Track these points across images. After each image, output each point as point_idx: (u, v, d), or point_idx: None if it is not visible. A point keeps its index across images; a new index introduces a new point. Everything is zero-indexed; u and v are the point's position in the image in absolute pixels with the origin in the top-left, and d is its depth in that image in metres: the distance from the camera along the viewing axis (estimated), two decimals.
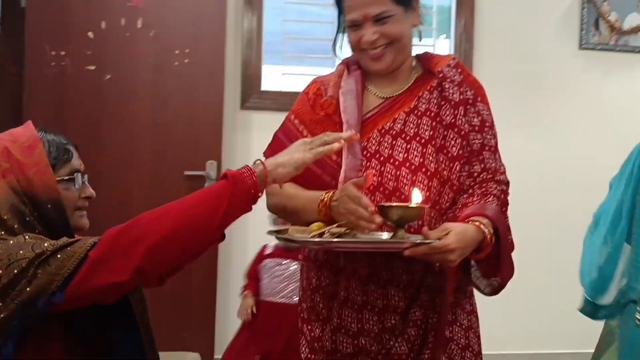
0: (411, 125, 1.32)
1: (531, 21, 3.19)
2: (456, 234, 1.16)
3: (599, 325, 1.73)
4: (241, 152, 3.00)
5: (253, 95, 3.02)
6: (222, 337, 2.84)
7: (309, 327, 1.36)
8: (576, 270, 1.65)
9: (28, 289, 0.99)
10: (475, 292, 1.39)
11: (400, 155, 1.30)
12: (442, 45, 3.30)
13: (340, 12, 1.35)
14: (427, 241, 1.14)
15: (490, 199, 1.28)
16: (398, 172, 1.29)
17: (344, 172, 1.29)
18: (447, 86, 1.34)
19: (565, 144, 3.22)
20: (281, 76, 3.13)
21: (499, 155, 1.36)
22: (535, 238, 3.19)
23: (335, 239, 1.16)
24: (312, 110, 1.39)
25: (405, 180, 1.28)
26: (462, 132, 1.31)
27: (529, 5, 3.19)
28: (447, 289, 1.25)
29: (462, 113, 1.32)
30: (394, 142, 1.31)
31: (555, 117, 3.21)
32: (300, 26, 3.42)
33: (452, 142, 1.31)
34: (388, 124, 1.33)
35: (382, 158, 1.31)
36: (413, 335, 1.27)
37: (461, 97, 1.33)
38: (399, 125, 1.33)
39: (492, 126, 1.36)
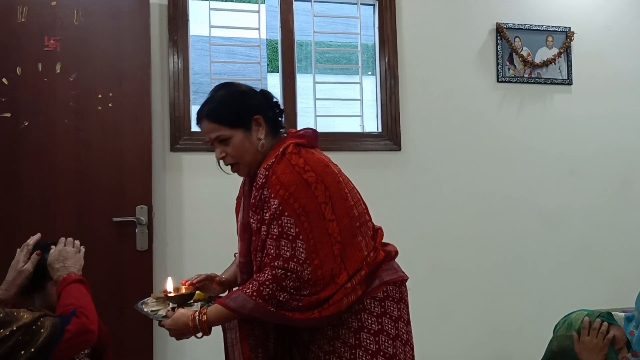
0: (251, 221, 1.63)
1: (451, 57, 3.34)
2: (171, 320, 1.59)
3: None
4: (172, 194, 2.91)
5: (183, 137, 2.95)
6: None
7: None
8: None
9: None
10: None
11: (253, 244, 1.64)
12: (368, 83, 3.38)
13: None
14: (159, 319, 1.64)
15: (251, 286, 1.53)
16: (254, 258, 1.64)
17: (236, 256, 1.77)
18: (252, 189, 1.64)
19: (489, 170, 3.35)
20: None
21: (287, 243, 1.53)
22: (468, 262, 3.27)
23: (141, 307, 1.73)
24: (237, 205, 1.82)
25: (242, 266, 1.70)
26: (253, 230, 1.61)
27: (447, 42, 3.34)
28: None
29: (251, 213, 1.62)
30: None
31: (479, 146, 3.34)
32: (229, 67, 3.42)
33: (251, 238, 1.64)
34: (247, 219, 1.66)
35: (253, 244, 1.65)
36: None
37: (254, 200, 1.61)
38: (248, 219, 1.66)
39: (278, 217, 1.55)
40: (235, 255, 1.91)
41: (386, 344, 1.60)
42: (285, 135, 1.72)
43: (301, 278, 1.51)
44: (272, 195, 1.55)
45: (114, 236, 2.66)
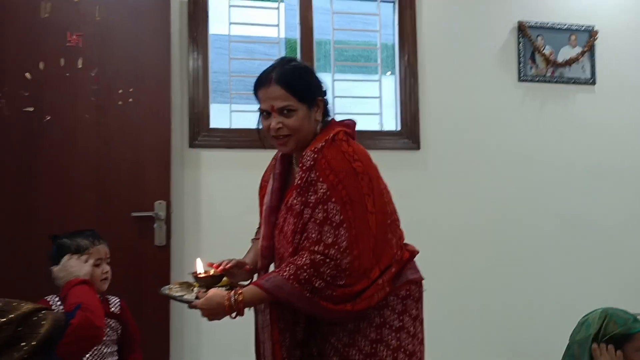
0: (295, 200, 1.59)
1: (471, 55, 3.31)
2: (205, 299, 1.55)
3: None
4: (190, 190, 2.92)
5: (201, 133, 2.96)
6: None
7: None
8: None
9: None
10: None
11: (285, 226, 1.61)
12: (387, 82, 3.36)
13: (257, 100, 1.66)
14: (188, 300, 1.60)
15: (288, 268, 1.50)
16: (283, 241, 1.61)
17: (260, 240, 1.74)
18: (297, 170, 1.62)
19: (508, 172, 3.31)
20: (229, 114, 3.10)
21: (331, 229, 1.51)
22: (484, 261, 3.23)
23: (166, 292, 1.69)
24: (261, 187, 1.81)
25: (284, 249, 1.61)
26: (295, 212, 1.57)
27: (468, 41, 3.31)
28: (267, 332, 1.62)
29: (295, 195, 1.57)
30: (286, 214, 1.61)
31: (499, 146, 3.30)
32: (248, 64, 3.42)
33: (291, 220, 1.59)
34: (290, 199, 1.60)
35: (279, 229, 1.65)
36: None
37: (300, 181, 1.57)
38: (291, 200, 1.60)
39: (325, 202, 1.52)
40: (252, 241, 1.91)
41: (407, 341, 1.61)
42: (329, 122, 1.70)
43: (339, 266, 1.49)
44: (321, 179, 1.53)
45: (132, 231, 2.68)
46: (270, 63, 1.68)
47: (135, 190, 2.70)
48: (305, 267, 1.49)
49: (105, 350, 1.95)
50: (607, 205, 3.40)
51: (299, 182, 1.57)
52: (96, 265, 1.95)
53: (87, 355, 1.90)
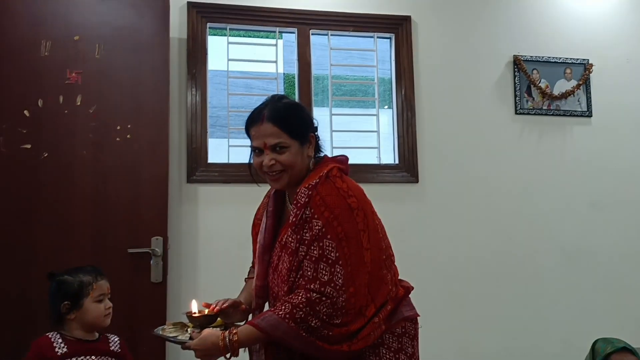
0: (290, 239, 1.57)
1: (468, 89, 3.33)
2: (199, 339, 1.52)
3: None
4: (187, 226, 2.90)
5: (199, 168, 2.96)
6: None
7: None
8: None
9: None
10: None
11: (279, 265, 1.59)
12: (385, 115, 3.38)
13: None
14: (182, 340, 1.58)
15: (284, 307, 1.48)
16: (278, 280, 1.59)
17: (254, 281, 1.70)
18: (293, 208, 1.59)
19: (506, 205, 3.29)
20: (227, 149, 3.11)
21: (326, 266, 1.49)
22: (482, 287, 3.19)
23: (159, 333, 1.67)
24: (254, 225, 1.79)
25: (278, 288, 1.58)
26: (289, 250, 1.55)
27: (464, 74, 3.34)
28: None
29: (290, 232, 1.56)
30: (280, 253, 1.59)
31: (497, 178, 3.30)
32: (246, 100, 3.45)
33: (286, 258, 1.57)
34: (284, 238, 1.59)
35: (273, 267, 1.62)
36: None
37: (294, 218, 1.56)
38: (285, 238, 1.58)
39: (320, 239, 1.50)
40: (245, 280, 1.88)
41: None
42: (321, 158, 1.70)
43: (335, 304, 1.47)
44: (316, 216, 1.52)
45: (128, 267, 2.65)
46: None
47: (132, 226, 2.68)
48: (301, 305, 1.47)
49: None
50: (606, 237, 3.38)
51: (294, 219, 1.56)
52: (99, 301, 1.95)
53: None
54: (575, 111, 3.43)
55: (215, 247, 2.91)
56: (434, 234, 3.18)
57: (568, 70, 3.43)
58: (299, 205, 1.56)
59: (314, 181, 1.58)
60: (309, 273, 1.49)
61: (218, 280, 2.88)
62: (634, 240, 3.41)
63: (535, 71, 3.39)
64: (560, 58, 3.43)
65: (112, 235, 2.66)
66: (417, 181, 3.19)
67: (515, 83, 3.36)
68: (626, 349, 1.87)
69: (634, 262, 3.39)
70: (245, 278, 1.89)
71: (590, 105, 3.44)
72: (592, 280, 3.33)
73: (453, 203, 3.23)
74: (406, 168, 3.21)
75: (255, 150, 1.63)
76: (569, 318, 3.26)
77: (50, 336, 1.91)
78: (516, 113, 3.35)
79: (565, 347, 3.19)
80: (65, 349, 1.88)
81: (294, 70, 3.27)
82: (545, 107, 3.39)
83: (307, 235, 1.52)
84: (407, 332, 1.64)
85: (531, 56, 3.38)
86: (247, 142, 1.67)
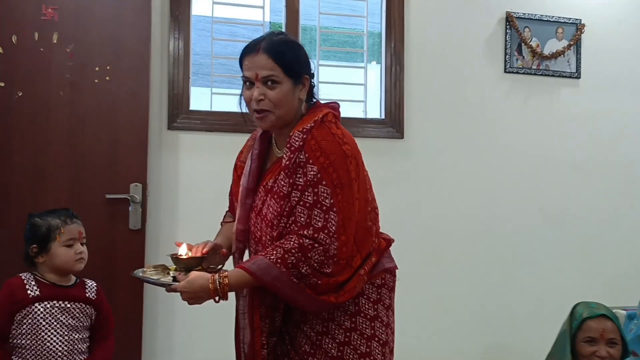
0: (280, 183, 1.53)
1: (458, 45, 3.27)
2: (186, 281, 1.47)
3: None
4: (168, 173, 2.84)
5: (181, 115, 2.88)
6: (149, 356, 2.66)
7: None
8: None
9: None
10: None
11: (264, 209, 1.55)
12: (373, 70, 3.31)
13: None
14: (168, 283, 1.52)
15: (275, 252, 1.44)
16: (261, 225, 1.56)
17: (235, 224, 1.64)
18: (285, 151, 1.53)
19: (491, 163, 3.29)
20: (210, 97, 3.02)
21: (321, 213, 1.46)
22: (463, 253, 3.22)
23: (137, 275, 1.61)
24: (236, 167, 1.74)
25: (263, 232, 1.56)
26: (282, 193, 1.51)
27: (455, 30, 3.27)
28: (249, 317, 1.56)
29: (282, 176, 1.51)
30: (265, 197, 1.56)
31: (483, 136, 3.28)
32: (230, 48, 3.35)
33: (277, 202, 1.53)
34: (270, 182, 1.56)
35: (256, 211, 1.59)
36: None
37: (288, 162, 1.51)
38: (271, 183, 1.56)
39: (315, 185, 1.47)
40: (221, 224, 1.83)
41: (380, 330, 1.58)
42: (314, 103, 1.64)
43: (327, 252, 1.45)
44: (311, 161, 1.48)
45: (106, 213, 2.60)
46: None
47: (111, 171, 2.62)
48: (293, 250, 1.43)
49: (76, 336, 1.88)
50: (589, 199, 3.41)
51: (287, 162, 1.50)
52: (68, 246, 1.88)
53: (57, 340, 1.84)
54: (564, 72, 3.39)
55: (195, 195, 2.86)
56: (417, 191, 3.17)
57: (560, 30, 3.38)
58: (292, 148, 1.51)
59: (309, 125, 1.53)
60: (302, 219, 1.46)
61: (197, 228, 2.82)
62: (613, 203, 3.45)
63: (527, 29, 3.33)
64: (553, 17, 3.37)
65: (89, 179, 2.60)
66: (402, 137, 3.16)
67: (506, 40, 3.30)
68: (605, 316, 1.83)
69: (611, 225, 3.44)
70: (222, 222, 1.84)
71: (580, 66, 3.41)
72: (574, 241, 3.37)
73: (437, 160, 3.21)
74: (392, 123, 3.17)
75: (247, 83, 1.56)
76: (544, 277, 3.31)
77: (23, 277, 1.86)
78: (505, 71, 3.31)
79: (540, 304, 3.26)
80: (37, 292, 1.84)
81: (281, 19, 3.16)
82: (534, 67, 3.35)
83: (300, 180, 1.48)
84: (386, 283, 1.63)
85: (524, 13, 3.32)
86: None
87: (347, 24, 3.69)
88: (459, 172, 3.23)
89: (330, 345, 1.53)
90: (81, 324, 1.89)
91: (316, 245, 1.44)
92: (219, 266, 1.67)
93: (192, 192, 2.86)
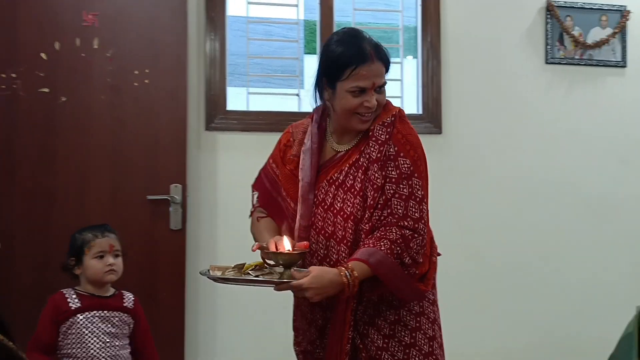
0: (350, 177, 1.55)
1: (497, 37, 3.19)
2: (313, 277, 1.41)
3: None
4: (206, 174, 2.87)
5: (218, 116, 2.90)
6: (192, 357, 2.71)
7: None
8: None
9: None
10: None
11: (338, 204, 1.55)
12: (408, 64, 3.27)
13: (335, 76, 1.53)
14: (286, 281, 1.42)
15: (381, 243, 1.45)
16: (335, 219, 1.55)
17: (298, 221, 1.59)
18: (371, 144, 1.55)
19: (534, 156, 3.20)
20: (246, 96, 3.04)
21: (415, 204, 1.51)
22: (508, 249, 3.15)
23: (229, 277, 1.47)
24: (281, 161, 1.67)
25: (339, 227, 1.54)
26: (375, 186, 1.51)
27: (493, 22, 3.19)
28: (340, 312, 1.53)
29: (376, 168, 1.52)
30: (336, 192, 1.56)
31: (524, 130, 3.20)
32: (265, 47, 3.36)
33: (369, 194, 1.52)
34: (335, 175, 1.58)
35: (325, 206, 1.57)
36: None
37: (379, 155, 1.53)
38: (342, 177, 1.57)
39: (409, 177, 1.51)
40: (258, 219, 1.72)
41: (438, 333, 1.62)
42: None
43: (422, 242, 1.51)
44: (402, 154, 1.53)
45: (147, 214, 2.64)
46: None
47: (151, 173, 2.66)
48: (398, 241, 1.46)
49: (117, 343, 1.95)
50: (634, 189, 3.28)
51: (379, 155, 1.53)
52: (99, 258, 1.95)
53: (100, 347, 1.91)
54: (610, 61, 3.27)
55: (234, 195, 2.87)
56: (457, 187, 3.11)
57: (604, 18, 3.26)
58: (379, 142, 1.54)
59: (388, 119, 1.57)
60: (400, 211, 1.49)
61: (237, 227, 2.84)
62: None
63: (568, 18, 3.22)
64: (596, 4, 3.25)
65: (130, 181, 2.65)
66: (440, 132, 3.11)
67: (547, 31, 3.20)
68: None
69: None
70: (257, 217, 1.73)
71: (626, 55, 3.28)
72: (617, 235, 3.25)
73: (477, 155, 3.14)
74: (430, 119, 3.12)
75: (355, 91, 1.53)
76: (590, 273, 3.21)
77: (64, 292, 1.97)
78: (547, 62, 3.21)
79: (585, 302, 3.16)
80: (78, 304, 1.93)
81: (316, 16, 3.15)
82: (577, 57, 3.24)
83: (393, 173, 1.52)
84: (435, 283, 1.65)
85: (565, 2, 3.21)
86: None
87: (382, 19, 3.65)
88: (500, 167, 3.16)
89: (396, 349, 1.55)
90: (121, 332, 1.98)
91: (416, 235, 1.49)
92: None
93: (231, 192, 2.88)
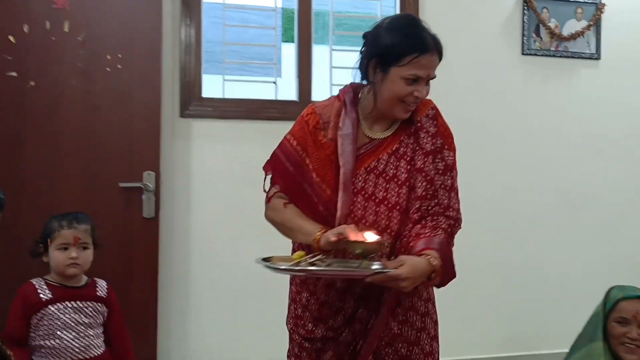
0: (391, 166, 1.54)
1: (474, 28, 3.20)
2: (409, 266, 1.38)
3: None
4: (181, 161, 2.83)
5: (193, 103, 2.86)
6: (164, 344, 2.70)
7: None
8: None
9: None
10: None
11: (380, 193, 1.53)
12: None
13: (392, 61, 1.49)
14: (385, 270, 1.37)
15: (439, 233, 1.50)
16: (377, 209, 1.52)
17: (339, 209, 1.51)
18: (422, 135, 1.57)
19: (509, 146, 3.22)
20: (222, 84, 3.00)
21: (455, 195, 1.58)
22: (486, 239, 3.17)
23: (314, 268, 1.41)
24: (313, 144, 1.56)
25: (383, 216, 1.52)
26: (428, 177, 1.54)
27: (471, 12, 3.20)
28: (386, 300, 1.52)
29: (430, 160, 1.55)
30: (376, 180, 1.54)
31: (501, 121, 3.21)
32: (242, 35, 3.32)
33: (419, 184, 1.54)
34: (373, 163, 1.55)
35: (366, 195, 1.53)
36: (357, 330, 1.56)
37: (432, 147, 1.56)
38: (381, 165, 1.54)
39: (451, 169, 1.58)
40: (285, 205, 1.57)
41: (436, 315, 1.67)
42: None
43: (458, 231, 1.59)
44: (446, 147, 1.59)
45: (120, 202, 2.60)
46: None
47: (124, 160, 2.61)
48: (448, 230, 1.53)
49: (91, 333, 1.92)
50: (608, 181, 3.33)
51: (432, 147, 1.57)
52: (62, 249, 1.90)
53: (73, 338, 1.88)
54: (584, 53, 3.30)
55: (208, 183, 2.85)
56: None
57: (579, 10, 3.29)
58: (430, 134, 1.58)
59: (429, 112, 1.60)
60: (445, 201, 1.55)
61: (211, 215, 2.84)
62: (635, 186, 3.36)
63: (545, 10, 3.24)
64: None
65: (102, 168, 2.59)
66: None
67: (523, 22, 3.22)
68: None
69: (633, 207, 3.36)
70: (284, 202, 1.58)
71: (600, 47, 3.32)
72: (593, 223, 3.30)
73: (455, 143, 3.14)
74: None
75: (409, 79, 1.49)
76: (567, 263, 3.25)
77: (34, 282, 1.91)
78: (523, 54, 3.23)
79: (563, 291, 3.21)
80: (50, 295, 1.88)
81: (294, 4, 3.12)
82: (553, 48, 3.27)
83: (440, 165, 1.57)
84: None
85: None
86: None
87: (360, 8, 3.63)
88: (477, 157, 3.17)
89: (409, 333, 1.57)
90: (95, 321, 1.94)
91: (456, 224, 1.57)
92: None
93: (205, 180, 2.85)
